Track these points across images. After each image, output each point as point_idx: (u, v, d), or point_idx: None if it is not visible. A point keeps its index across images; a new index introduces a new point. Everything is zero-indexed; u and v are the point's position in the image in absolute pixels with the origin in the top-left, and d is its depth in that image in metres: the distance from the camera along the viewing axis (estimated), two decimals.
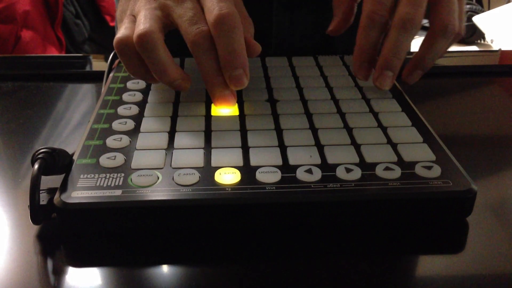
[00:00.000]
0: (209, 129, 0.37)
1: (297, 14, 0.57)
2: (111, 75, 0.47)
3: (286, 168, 0.32)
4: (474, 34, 2.59)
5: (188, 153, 0.34)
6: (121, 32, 0.38)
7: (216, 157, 0.33)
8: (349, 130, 0.37)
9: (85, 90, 0.55)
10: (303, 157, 0.34)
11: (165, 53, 0.36)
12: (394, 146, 0.35)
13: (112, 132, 0.37)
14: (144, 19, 0.37)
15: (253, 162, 0.33)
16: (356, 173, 0.32)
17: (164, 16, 0.38)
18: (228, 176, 0.31)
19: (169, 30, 0.39)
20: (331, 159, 0.33)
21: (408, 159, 0.34)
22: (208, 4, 0.36)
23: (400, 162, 0.33)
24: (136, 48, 0.36)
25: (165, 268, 0.29)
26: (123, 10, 0.41)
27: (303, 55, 0.51)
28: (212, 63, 0.36)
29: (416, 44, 0.40)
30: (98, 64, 0.63)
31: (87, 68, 0.63)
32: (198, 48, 0.36)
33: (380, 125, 0.38)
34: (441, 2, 0.39)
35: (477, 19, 2.42)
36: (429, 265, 0.30)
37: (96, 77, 0.54)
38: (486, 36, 2.49)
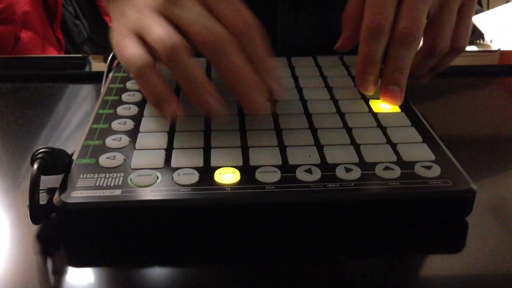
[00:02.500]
0: (208, 129, 0.37)
1: (302, 14, 0.57)
2: (110, 75, 0.47)
3: (286, 168, 0.32)
4: (473, 34, 2.59)
5: (188, 153, 0.34)
6: (133, 52, 0.35)
7: (216, 157, 0.33)
8: (349, 130, 0.37)
9: (85, 90, 0.55)
10: (302, 157, 0.34)
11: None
12: (393, 146, 0.35)
13: (111, 132, 0.37)
14: (160, 30, 0.34)
15: (253, 162, 0.33)
16: (356, 173, 0.32)
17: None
18: (227, 176, 0.31)
19: None
20: (330, 159, 0.33)
21: (408, 159, 0.34)
22: (223, 11, 0.34)
23: (400, 161, 0.33)
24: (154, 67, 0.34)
25: (164, 268, 0.29)
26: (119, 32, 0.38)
27: (308, 55, 0.51)
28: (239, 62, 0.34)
29: None
30: (97, 65, 0.63)
31: (87, 69, 0.63)
32: (215, 49, 0.33)
33: (379, 125, 0.38)
34: (436, 22, 0.39)
35: (476, 19, 2.43)
36: (429, 264, 0.30)
37: (96, 78, 0.54)
38: (485, 36, 2.49)
